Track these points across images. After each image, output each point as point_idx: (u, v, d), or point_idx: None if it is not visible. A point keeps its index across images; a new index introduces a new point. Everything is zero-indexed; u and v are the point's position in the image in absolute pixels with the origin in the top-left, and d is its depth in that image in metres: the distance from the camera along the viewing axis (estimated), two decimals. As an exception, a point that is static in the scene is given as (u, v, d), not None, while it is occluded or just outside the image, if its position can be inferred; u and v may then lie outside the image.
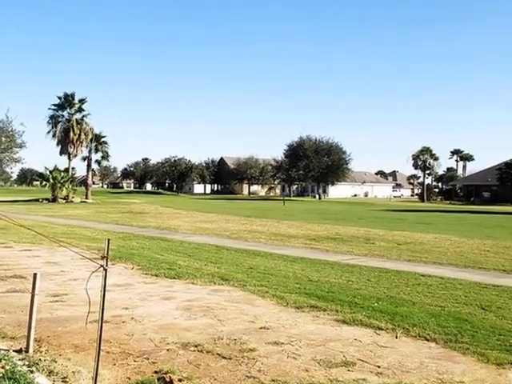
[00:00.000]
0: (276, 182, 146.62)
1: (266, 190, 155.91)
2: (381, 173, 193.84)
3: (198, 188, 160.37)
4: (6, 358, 7.01)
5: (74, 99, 76.88)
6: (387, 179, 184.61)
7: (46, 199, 70.30)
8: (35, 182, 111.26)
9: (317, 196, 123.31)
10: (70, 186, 72.19)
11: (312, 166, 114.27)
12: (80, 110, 77.25)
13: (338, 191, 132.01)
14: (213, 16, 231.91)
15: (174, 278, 13.98)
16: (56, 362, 7.23)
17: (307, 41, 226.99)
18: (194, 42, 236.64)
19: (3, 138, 31.95)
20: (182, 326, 9.38)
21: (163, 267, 15.64)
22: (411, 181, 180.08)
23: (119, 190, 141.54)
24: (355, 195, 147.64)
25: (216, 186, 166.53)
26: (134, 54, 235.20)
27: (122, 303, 10.82)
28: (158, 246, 21.52)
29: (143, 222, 34.68)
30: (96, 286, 6.61)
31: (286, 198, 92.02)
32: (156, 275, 14.42)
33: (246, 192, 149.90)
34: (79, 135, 74.38)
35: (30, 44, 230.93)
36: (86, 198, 76.40)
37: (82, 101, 77.37)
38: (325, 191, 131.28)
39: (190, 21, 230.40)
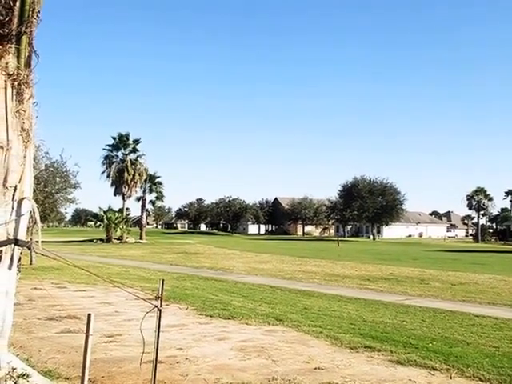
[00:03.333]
0: (330, 223, 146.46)
1: (320, 230, 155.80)
2: (435, 213, 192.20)
3: (252, 228, 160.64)
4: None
5: (128, 139, 77.89)
6: (441, 220, 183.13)
7: (101, 239, 71.03)
8: (89, 223, 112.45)
9: (371, 236, 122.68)
10: (124, 227, 72.64)
11: (366, 207, 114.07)
12: (134, 150, 78.21)
13: (392, 232, 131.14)
14: (268, 59, 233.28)
15: (229, 319, 13.89)
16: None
17: (362, 80, 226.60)
18: (250, 82, 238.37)
19: (57, 179, 32.37)
20: (236, 366, 9.26)
21: (217, 307, 15.58)
22: (465, 221, 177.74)
23: (173, 231, 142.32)
24: (409, 236, 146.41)
25: (270, 226, 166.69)
26: (194, 94, 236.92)
27: (177, 344, 10.73)
28: (212, 287, 21.47)
29: (197, 263, 34.77)
30: (150, 326, 6.56)
31: (340, 239, 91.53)
32: (210, 316, 14.34)
33: (300, 232, 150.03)
34: (133, 176, 75.18)
35: (85, 84, 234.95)
36: (141, 238, 76.82)
37: (136, 141, 78.37)
38: (379, 232, 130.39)
39: (247, 62, 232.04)
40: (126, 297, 16.19)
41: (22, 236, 5.97)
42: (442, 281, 25.57)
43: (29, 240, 6.13)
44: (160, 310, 6.26)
